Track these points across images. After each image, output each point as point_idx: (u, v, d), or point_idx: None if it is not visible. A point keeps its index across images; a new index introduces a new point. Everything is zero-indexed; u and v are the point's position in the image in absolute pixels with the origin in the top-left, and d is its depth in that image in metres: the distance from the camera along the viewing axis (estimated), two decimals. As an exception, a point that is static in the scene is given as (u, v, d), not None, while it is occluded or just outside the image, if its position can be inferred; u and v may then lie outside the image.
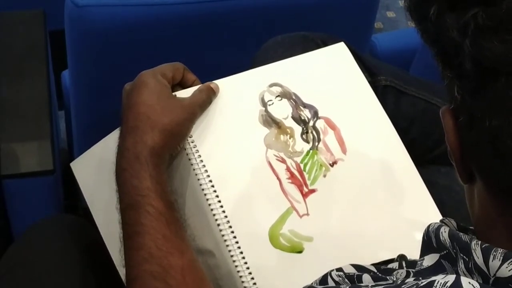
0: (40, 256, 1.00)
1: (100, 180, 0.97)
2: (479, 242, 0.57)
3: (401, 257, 0.80)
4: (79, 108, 1.33)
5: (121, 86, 0.95)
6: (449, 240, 0.60)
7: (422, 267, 0.62)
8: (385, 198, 0.97)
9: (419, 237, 0.65)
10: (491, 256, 0.56)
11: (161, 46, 1.23)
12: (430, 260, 0.62)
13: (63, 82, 1.51)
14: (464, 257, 0.58)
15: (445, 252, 0.61)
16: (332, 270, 0.68)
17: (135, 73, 0.95)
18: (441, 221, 0.65)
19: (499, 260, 0.55)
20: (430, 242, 0.63)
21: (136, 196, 0.86)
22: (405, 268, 0.69)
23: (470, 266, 0.57)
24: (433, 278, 0.57)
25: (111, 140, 0.94)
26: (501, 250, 0.55)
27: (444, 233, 0.61)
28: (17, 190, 1.25)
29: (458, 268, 0.58)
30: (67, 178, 1.44)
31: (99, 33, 1.19)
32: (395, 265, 0.72)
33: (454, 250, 0.60)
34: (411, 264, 0.71)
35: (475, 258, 0.57)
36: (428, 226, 0.64)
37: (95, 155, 1.00)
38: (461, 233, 0.60)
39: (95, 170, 1.00)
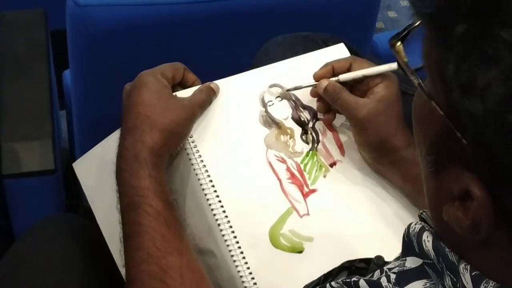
0: (42, 256, 1.00)
1: (102, 180, 0.97)
2: (468, 266, 0.55)
3: (378, 258, 0.78)
4: (80, 108, 1.33)
5: (122, 86, 0.95)
6: (433, 253, 0.58)
7: (405, 268, 0.60)
8: (384, 198, 0.97)
9: None
10: (482, 286, 0.54)
11: (162, 46, 1.23)
12: (413, 262, 0.60)
13: (65, 82, 1.51)
14: (452, 276, 0.56)
15: (429, 261, 0.59)
16: (331, 282, 0.66)
17: (136, 73, 0.95)
18: (420, 216, 0.62)
19: None
20: (411, 244, 0.61)
21: (135, 196, 0.86)
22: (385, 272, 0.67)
23: (458, 286, 0.55)
24: None
25: (112, 140, 0.94)
26: (493, 283, 0.53)
27: (428, 242, 0.58)
28: (18, 190, 1.25)
29: (445, 283, 0.57)
30: (69, 177, 1.44)
31: (100, 33, 1.19)
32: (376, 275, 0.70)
33: (440, 265, 0.57)
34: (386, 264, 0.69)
35: (464, 282, 0.55)
36: (408, 227, 0.62)
37: (96, 155, 1.01)
38: (446, 249, 0.57)
39: (96, 171, 1.00)
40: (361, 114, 0.94)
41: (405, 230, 0.62)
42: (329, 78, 0.97)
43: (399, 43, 0.61)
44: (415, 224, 0.61)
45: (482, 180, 0.50)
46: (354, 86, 0.98)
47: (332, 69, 0.97)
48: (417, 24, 0.58)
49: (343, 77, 0.96)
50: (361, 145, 0.97)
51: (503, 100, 0.46)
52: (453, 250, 0.56)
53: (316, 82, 0.98)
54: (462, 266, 0.55)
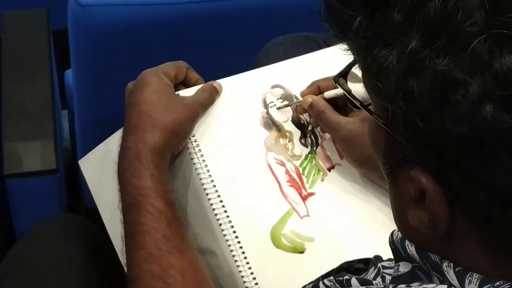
0: (43, 256, 1.01)
1: (106, 178, 0.97)
2: (451, 264, 0.57)
3: (376, 258, 0.79)
4: (82, 107, 1.33)
5: (124, 85, 0.95)
6: (417, 256, 0.60)
7: (399, 273, 0.62)
8: (382, 200, 0.97)
9: None
10: (467, 281, 0.55)
11: (164, 45, 1.23)
12: (404, 267, 0.62)
13: (66, 81, 1.51)
14: (438, 275, 0.58)
15: (416, 264, 0.61)
16: (324, 279, 0.67)
17: (138, 72, 0.95)
18: None
19: (476, 285, 0.55)
20: (398, 251, 0.63)
21: (137, 195, 0.86)
22: (380, 270, 0.68)
23: (446, 284, 0.57)
24: (425, 286, 0.57)
25: (116, 139, 0.94)
26: (477, 275, 0.55)
27: (411, 246, 0.60)
28: (20, 190, 1.25)
29: (434, 283, 0.59)
30: (70, 177, 1.44)
31: (102, 32, 1.19)
32: (370, 272, 0.71)
33: (426, 266, 0.59)
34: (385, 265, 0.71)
35: (450, 279, 0.56)
36: (392, 234, 0.64)
37: (100, 153, 1.01)
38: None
39: (100, 169, 1.00)
40: (341, 135, 0.94)
41: (389, 237, 0.64)
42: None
43: (342, 80, 0.70)
44: (398, 231, 0.63)
45: (428, 171, 0.54)
46: (345, 103, 0.97)
47: (317, 88, 0.97)
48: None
49: (328, 94, 0.97)
50: (348, 161, 0.97)
51: (402, 69, 0.52)
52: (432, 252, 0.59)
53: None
54: (445, 264, 0.57)
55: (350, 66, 0.68)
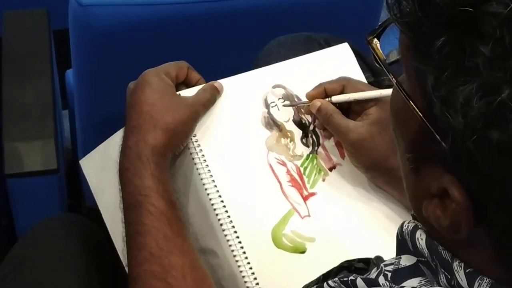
0: (44, 255, 1.01)
1: (107, 179, 0.97)
2: (462, 264, 0.55)
3: (377, 259, 0.79)
4: (83, 107, 1.33)
5: (125, 85, 0.95)
6: (427, 251, 0.58)
7: (400, 266, 0.61)
8: (383, 201, 0.97)
9: None
10: (476, 283, 0.54)
11: (165, 46, 1.23)
12: (407, 260, 0.61)
13: (67, 81, 1.51)
14: (446, 273, 0.56)
15: (423, 259, 0.59)
16: (328, 280, 0.67)
17: (139, 72, 0.95)
18: (412, 215, 0.62)
19: None
20: (405, 243, 0.61)
21: (138, 195, 0.86)
22: (382, 268, 0.67)
23: (453, 283, 0.56)
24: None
25: (118, 138, 0.94)
26: (487, 279, 0.54)
27: (421, 240, 0.58)
28: (21, 190, 1.25)
29: (440, 280, 0.57)
30: (71, 177, 1.44)
31: (103, 32, 1.19)
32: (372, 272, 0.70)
33: (434, 263, 0.58)
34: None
35: (459, 279, 0.55)
36: (402, 226, 0.62)
37: (101, 153, 1.01)
38: (440, 247, 0.57)
39: (102, 169, 1.00)
40: (350, 139, 0.94)
41: (398, 229, 0.63)
42: (322, 98, 0.97)
43: (375, 40, 0.61)
44: (408, 223, 0.61)
45: (463, 183, 0.50)
46: (350, 106, 0.97)
47: (324, 91, 0.97)
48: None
49: (335, 98, 0.96)
50: (355, 166, 0.97)
51: (483, 116, 0.46)
52: (441, 245, 0.57)
53: (309, 102, 0.98)
54: (456, 263, 0.56)
55: (385, 25, 0.60)
